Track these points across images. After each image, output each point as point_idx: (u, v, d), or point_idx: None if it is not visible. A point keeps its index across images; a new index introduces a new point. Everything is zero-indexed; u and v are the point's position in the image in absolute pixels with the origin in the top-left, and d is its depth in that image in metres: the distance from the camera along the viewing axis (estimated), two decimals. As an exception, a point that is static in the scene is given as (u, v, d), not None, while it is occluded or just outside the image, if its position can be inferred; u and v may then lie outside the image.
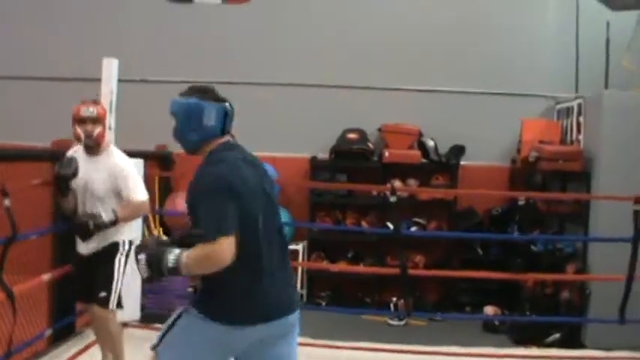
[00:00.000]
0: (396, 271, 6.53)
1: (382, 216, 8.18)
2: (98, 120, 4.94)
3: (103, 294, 4.93)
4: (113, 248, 5.01)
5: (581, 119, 7.57)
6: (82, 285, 5.07)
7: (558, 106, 8.47)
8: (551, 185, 7.91)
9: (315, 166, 8.61)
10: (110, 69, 6.28)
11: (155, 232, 7.17)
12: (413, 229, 8.17)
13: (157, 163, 8.20)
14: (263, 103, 8.57)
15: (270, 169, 3.42)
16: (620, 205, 6.10)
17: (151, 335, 5.02)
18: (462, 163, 8.55)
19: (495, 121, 8.66)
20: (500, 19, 8.82)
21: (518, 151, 8.31)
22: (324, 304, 8.10)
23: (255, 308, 3.20)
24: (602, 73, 7.92)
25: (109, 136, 5.94)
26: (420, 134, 8.52)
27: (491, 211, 8.44)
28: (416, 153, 8.39)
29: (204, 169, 3.26)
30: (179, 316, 3.32)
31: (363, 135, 8.46)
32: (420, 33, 8.76)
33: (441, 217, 8.55)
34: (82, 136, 4.91)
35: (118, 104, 6.31)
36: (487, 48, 8.76)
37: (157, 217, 7.53)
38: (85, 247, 5.00)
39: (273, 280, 3.25)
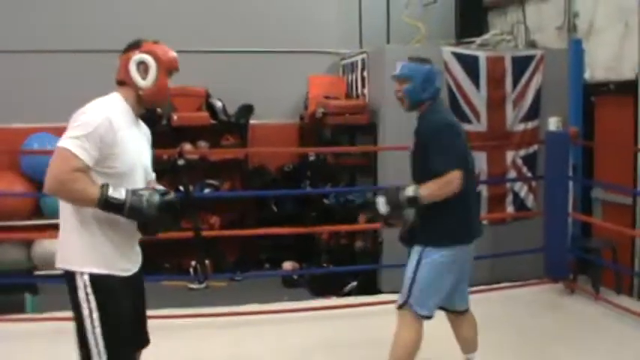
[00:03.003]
0: (190, 234, 6.45)
1: (174, 180, 8.00)
2: None
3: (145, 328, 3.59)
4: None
5: (365, 74, 7.79)
6: (129, 323, 3.32)
7: (343, 62, 8.66)
8: (341, 139, 8.11)
9: (102, 134, 8.28)
10: None
11: None
12: (206, 190, 8.11)
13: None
14: (44, 72, 8.16)
15: None
16: (405, 154, 6.33)
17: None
18: (251, 122, 8.55)
19: (282, 79, 8.75)
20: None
21: (306, 107, 8.44)
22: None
23: (469, 229, 4.22)
24: (384, 28, 8.18)
25: None
26: (208, 95, 8.41)
27: (283, 167, 8.55)
28: (204, 114, 8.27)
29: (435, 118, 4.20)
30: (417, 266, 4.15)
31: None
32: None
33: (234, 177, 8.55)
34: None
35: None
36: (271, 7, 8.80)
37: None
38: (132, 263, 3.41)
39: (473, 210, 4.35)
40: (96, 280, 3.16)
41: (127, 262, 3.32)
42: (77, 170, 3.03)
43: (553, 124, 7.10)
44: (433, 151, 4.03)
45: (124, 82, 3.37)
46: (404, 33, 8.02)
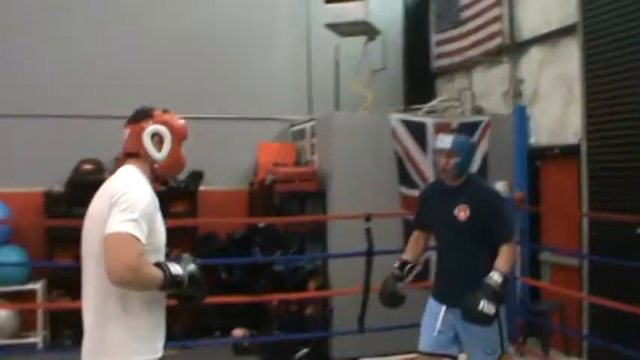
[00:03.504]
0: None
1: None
2: None
3: None
4: None
5: (315, 140, 7.83)
6: None
7: (293, 129, 8.72)
8: (290, 205, 8.08)
9: (50, 200, 8.14)
10: None
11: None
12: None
13: None
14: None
15: None
16: (354, 222, 6.35)
17: None
18: (201, 188, 8.53)
19: (233, 146, 8.76)
20: (235, 45, 8.99)
21: (256, 174, 8.45)
22: (69, 343, 7.66)
23: None
24: (332, 95, 8.27)
25: None
26: (158, 161, 8.37)
27: (233, 234, 8.49)
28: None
29: (487, 188, 4.49)
30: (499, 325, 4.17)
31: (99, 165, 8.15)
32: (156, 61, 8.66)
33: (184, 243, 8.43)
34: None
35: None
36: (221, 73, 8.85)
37: None
38: (162, 341, 3.18)
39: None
40: None
41: (160, 341, 3.12)
42: (142, 254, 2.83)
43: (500, 188, 7.21)
44: (499, 218, 4.22)
45: (136, 154, 3.18)
46: (353, 100, 8.13)
